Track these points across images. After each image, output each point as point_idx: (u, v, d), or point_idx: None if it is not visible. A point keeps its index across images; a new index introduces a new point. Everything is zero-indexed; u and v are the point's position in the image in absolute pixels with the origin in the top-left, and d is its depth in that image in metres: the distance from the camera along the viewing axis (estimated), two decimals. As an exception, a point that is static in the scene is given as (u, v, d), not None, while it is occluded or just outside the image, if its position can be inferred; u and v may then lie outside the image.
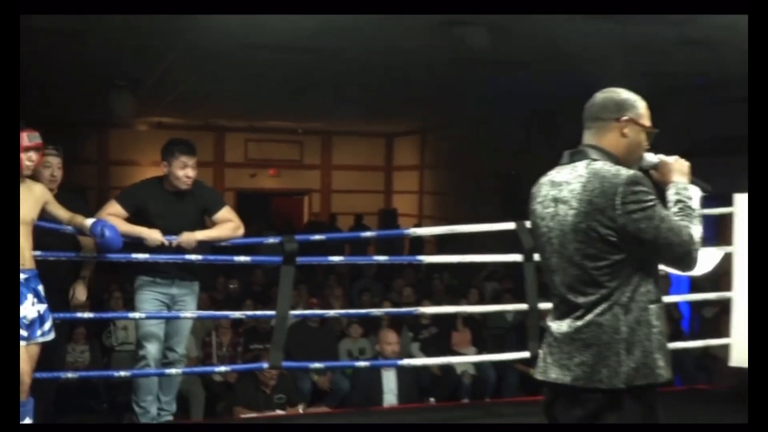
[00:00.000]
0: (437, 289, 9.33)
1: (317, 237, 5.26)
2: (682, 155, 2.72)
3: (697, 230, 2.51)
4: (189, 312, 4.83)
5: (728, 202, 5.30)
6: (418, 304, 7.76)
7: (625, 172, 2.44)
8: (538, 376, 2.60)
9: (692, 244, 2.47)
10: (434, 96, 12.23)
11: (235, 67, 9.22)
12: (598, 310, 2.45)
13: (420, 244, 14.57)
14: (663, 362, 2.49)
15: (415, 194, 20.00)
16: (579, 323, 2.47)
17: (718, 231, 6.10)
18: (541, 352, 2.62)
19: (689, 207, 2.57)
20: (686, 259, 2.48)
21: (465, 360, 6.68)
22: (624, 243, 2.42)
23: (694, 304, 7.80)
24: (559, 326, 2.53)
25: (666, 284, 8.01)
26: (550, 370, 2.53)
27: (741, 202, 5.23)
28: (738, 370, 5.61)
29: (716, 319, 7.04)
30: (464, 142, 16.98)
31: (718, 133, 7.63)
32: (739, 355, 5.48)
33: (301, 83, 10.63)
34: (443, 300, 8.54)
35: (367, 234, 6.32)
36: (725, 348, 5.61)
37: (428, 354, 7.22)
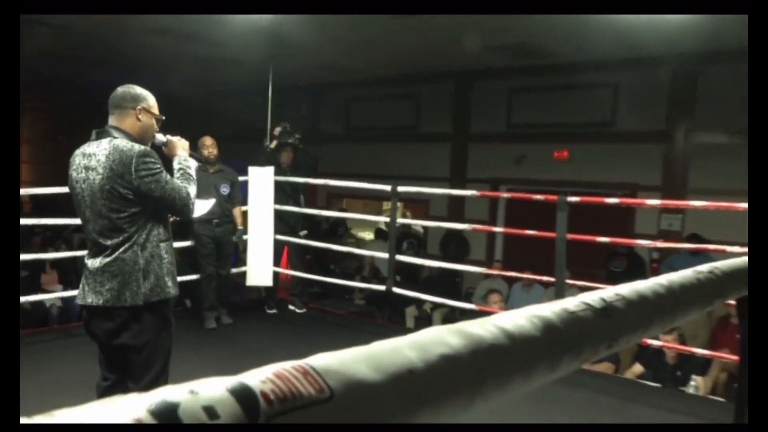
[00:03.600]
0: (34, 242, 9.38)
1: None
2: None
3: (192, 189, 2.82)
4: None
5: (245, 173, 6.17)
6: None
7: (137, 147, 2.66)
8: (79, 302, 2.77)
9: (189, 199, 2.77)
10: (30, 81, 11.75)
11: None
12: (121, 249, 2.68)
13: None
14: (171, 283, 2.80)
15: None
16: (108, 259, 2.68)
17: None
18: (81, 283, 2.78)
19: (188, 173, 2.86)
20: (185, 210, 2.77)
21: (51, 297, 6.94)
22: (139, 199, 2.67)
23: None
24: (93, 262, 2.71)
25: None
26: (88, 296, 2.71)
27: (253, 172, 6.19)
28: (254, 287, 6.56)
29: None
30: (60, 122, 16.51)
31: (254, 125, 8.39)
32: (252, 277, 6.32)
33: None
34: (36, 251, 8.64)
35: None
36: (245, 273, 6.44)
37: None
